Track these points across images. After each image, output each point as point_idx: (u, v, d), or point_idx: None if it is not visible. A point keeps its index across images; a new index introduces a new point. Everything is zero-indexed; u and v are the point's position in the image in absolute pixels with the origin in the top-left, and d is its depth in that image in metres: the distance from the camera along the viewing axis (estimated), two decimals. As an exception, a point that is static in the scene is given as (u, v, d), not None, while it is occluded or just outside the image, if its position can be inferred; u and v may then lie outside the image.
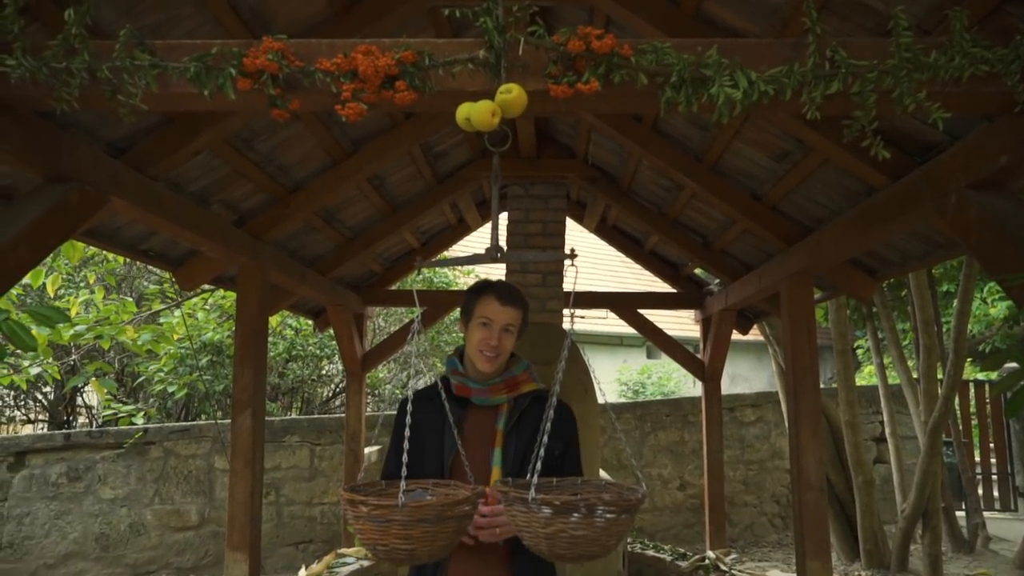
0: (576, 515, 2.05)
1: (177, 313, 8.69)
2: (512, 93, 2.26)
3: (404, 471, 2.26)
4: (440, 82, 2.43)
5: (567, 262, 2.60)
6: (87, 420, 11.64)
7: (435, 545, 2.12)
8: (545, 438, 2.33)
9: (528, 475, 2.23)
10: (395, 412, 2.86)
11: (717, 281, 7.20)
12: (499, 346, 2.82)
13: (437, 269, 11.95)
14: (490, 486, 2.66)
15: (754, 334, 9.08)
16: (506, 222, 6.59)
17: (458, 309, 3.57)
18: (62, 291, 9.49)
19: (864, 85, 2.28)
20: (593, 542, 2.07)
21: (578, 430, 2.97)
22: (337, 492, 8.61)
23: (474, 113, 2.25)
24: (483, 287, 2.91)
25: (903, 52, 2.28)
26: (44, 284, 6.59)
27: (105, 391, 6.97)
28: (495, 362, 2.83)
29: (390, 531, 2.08)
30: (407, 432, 2.33)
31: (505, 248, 2.72)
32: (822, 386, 5.01)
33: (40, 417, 11.87)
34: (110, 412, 8.96)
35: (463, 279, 12.82)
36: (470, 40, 2.45)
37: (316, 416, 10.13)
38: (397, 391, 11.96)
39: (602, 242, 8.63)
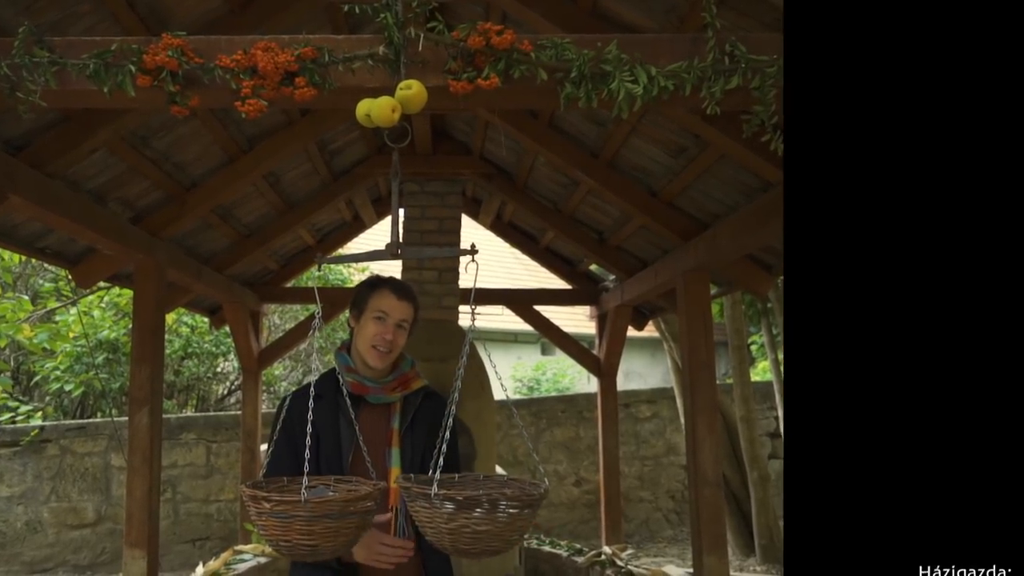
0: (479, 510, 2.05)
1: (73, 311, 8.57)
2: (412, 89, 2.26)
3: (307, 467, 2.22)
4: (340, 78, 2.43)
5: (465, 258, 2.58)
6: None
7: (338, 541, 2.12)
8: (448, 434, 2.33)
9: (430, 471, 2.21)
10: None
11: (613, 277, 7.26)
12: (393, 341, 2.76)
13: (332, 266, 11.93)
14: (392, 484, 2.62)
15: (649, 330, 9.20)
16: (402, 219, 6.54)
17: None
18: (-43, 289, 9.26)
19: (764, 80, 2.31)
20: (496, 537, 2.07)
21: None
22: (236, 489, 8.53)
23: (374, 109, 2.25)
24: (377, 281, 2.87)
25: (800, 47, 2.32)
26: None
27: (0, 389, 6.84)
28: (387, 358, 2.78)
29: (293, 527, 2.07)
30: (309, 428, 2.30)
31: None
32: (717, 382, 5.10)
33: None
34: (7, 416, 8.85)
35: (358, 276, 12.75)
36: (369, 36, 2.45)
37: (212, 413, 10.11)
38: (293, 388, 11.80)
39: (497, 239, 8.63)
